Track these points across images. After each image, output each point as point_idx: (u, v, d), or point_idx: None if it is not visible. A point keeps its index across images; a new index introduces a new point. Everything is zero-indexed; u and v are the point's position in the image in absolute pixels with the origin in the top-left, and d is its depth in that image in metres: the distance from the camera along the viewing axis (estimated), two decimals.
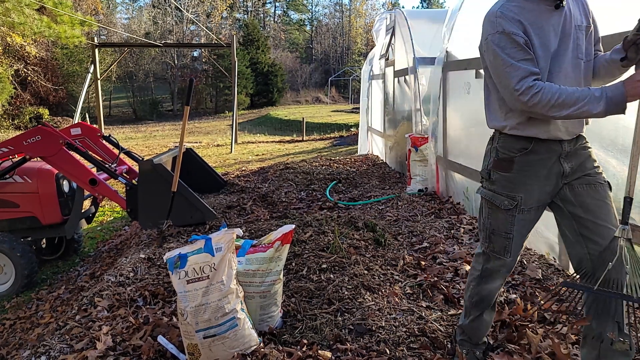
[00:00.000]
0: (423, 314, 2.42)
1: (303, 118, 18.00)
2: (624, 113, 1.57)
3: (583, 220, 1.73)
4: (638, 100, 1.59)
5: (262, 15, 53.76)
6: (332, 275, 2.83)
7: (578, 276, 1.72)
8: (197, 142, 15.78)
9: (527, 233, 1.89)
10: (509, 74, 1.67)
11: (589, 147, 1.80)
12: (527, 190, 1.79)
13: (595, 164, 1.78)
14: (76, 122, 13.31)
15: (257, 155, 11.85)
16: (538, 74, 1.65)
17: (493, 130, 1.89)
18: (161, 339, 2.25)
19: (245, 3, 51.63)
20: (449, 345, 2.17)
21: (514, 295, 2.62)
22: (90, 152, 4.34)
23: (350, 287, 2.67)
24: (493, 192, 1.85)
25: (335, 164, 7.61)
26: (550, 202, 1.82)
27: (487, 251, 1.93)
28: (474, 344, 2.07)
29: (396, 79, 7.01)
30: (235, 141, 14.17)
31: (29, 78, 24.69)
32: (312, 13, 58.04)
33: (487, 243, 1.92)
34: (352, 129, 17.30)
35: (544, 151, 1.75)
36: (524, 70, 1.64)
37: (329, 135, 17.28)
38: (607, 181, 1.76)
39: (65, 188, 4.33)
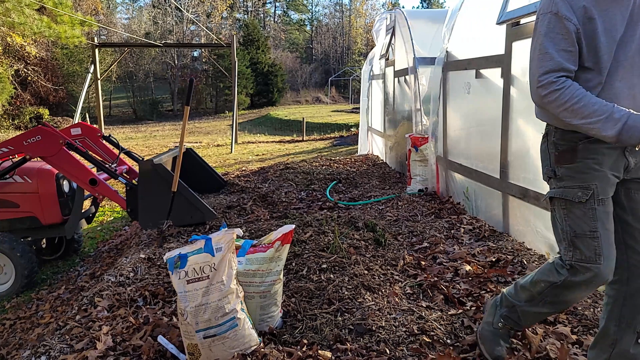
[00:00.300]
0: (423, 314, 2.42)
1: (303, 118, 18.01)
2: (637, 141, 1.47)
3: (631, 228, 1.62)
4: None
5: (262, 15, 53.77)
6: (332, 275, 2.83)
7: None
8: (197, 142, 15.78)
9: (612, 228, 1.64)
10: (540, 60, 1.58)
11: None
12: (600, 177, 1.60)
13: None
14: (76, 122, 13.31)
15: (257, 155, 11.85)
16: (570, 71, 1.56)
17: (545, 125, 1.75)
18: (161, 339, 2.25)
19: (245, 3, 51.64)
20: (448, 342, 2.17)
21: None
22: (90, 152, 4.34)
23: (350, 287, 2.67)
24: (563, 187, 1.67)
25: (336, 164, 7.61)
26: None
27: (574, 263, 1.65)
28: (518, 325, 1.91)
29: (396, 79, 7.01)
30: (236, 141, 14.17)
31: (29, 78, 24.70)
32: (312, 13, 58.08)
33: (572, 252, 1.66)
34: (352, 129, 17.30)
35: None
36: (556, 63, 1.55)
37: (329, 135, 17.29)
38: None
39: (66, 188, 4.33)
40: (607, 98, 1.56)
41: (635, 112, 1.49)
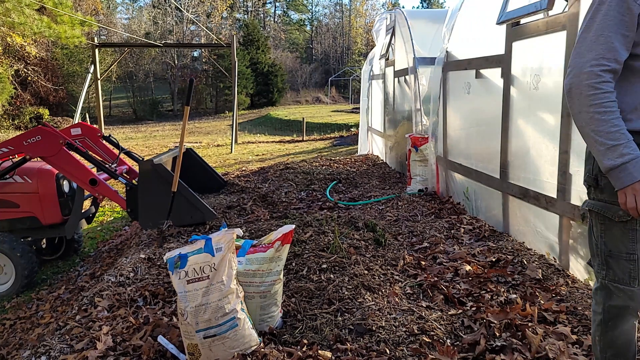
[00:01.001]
0: (423, 314, 2.42)
1: (303, 118, 18.01)
2: (620, 186, 1.41)
3: None
4: None
5: (262, 15, 53.75)
6: (332, 275, 2.83)
7: None
8: (197, 142, 15.78)
9: None
10: (593, 43, 1.41)
11: None
12: None
13: None
14: (76, 122, 13.31)
15: (257, 155, 11.85)
16: (620, 63, 1.42)
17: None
18: (161, 339, 2.25)
19: (245, 3, 51.63)
20: (448, 342, 2.17)
21: (514, 295, 2.62)
22: (90, 152, 4.34)
23: (350, 287, 2.67)
24: (604, 202, 1.50)
25: (336, 164, 7.61)
26: None
27: (606, 282, 1.55)
28: None
29: (396, 79, 7.01)
30: (236, 141, 14.17)
31: (29, 78, 24.68)
32: (312, 13, 58.06)
33: (605, 271, 1.54)
34: (352, 129, 17.30)
35: None
36: (613, 51, 1.39)
37: (329, 135, 17.28)
38: None
39: (66, 188, 4.33)
40: None
41: None
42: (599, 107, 1.40)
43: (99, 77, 15.60)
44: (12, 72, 22.28)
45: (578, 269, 2.91)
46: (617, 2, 1.40)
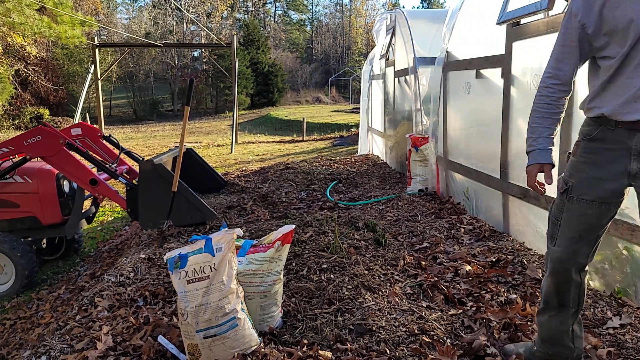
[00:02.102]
0: (423, 314, 2.42)
1: (303, 118, 18.00)
2: (526, 167, 1.80)
3: None
4: None
5: (262, 15, 53.76)
6: (332, 275, 2.83)
7: None
8: (197, 142, 15.78)
9: (579, 229, 1.70)
10: (550, 55, 1.77)
11: None
12: (580, 177, 1.67)
13: None
14: (76, 122, 13.31)
15: (257, 155, 11.85)
16: (562, 70, 1.72)
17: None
18: (161, 339, 2.25)
19: (245, 3, 51.64)
20: (448, 342, 2.17)
21: (514, 295, 2.62)
22: (90, 152, 4.33)
23: (350, 287, 2.67)
24: (563, 173, 1.79)
25: (336, 164, 7.61)
26: (615, 202, 1.68)
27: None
28: (548, 343, 1.92)
29: (396, 79, 7.01)
30: (236, 141, 14.17)
31: (30, 78, 24.68)
32: (312, 13, 58.08)
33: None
34: (352, 129, 17.30)
35: (610, 140, 1.60)
36: (558, 62, 1.74)
37: (329, 135, 17.29)
38: None
39: (66, 188, 4.33)
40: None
41: (543, 150, 1.76)
42: (535, 106, 1.81)
43: (99, 77, 15.60)
44: (13, 72, 22.29)
45: None
46: (566, 19, 1.68)
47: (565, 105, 1.79)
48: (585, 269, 1.81)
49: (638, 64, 1.53)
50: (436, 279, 2.89)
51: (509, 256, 3.20)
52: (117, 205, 4.89)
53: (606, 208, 1.67)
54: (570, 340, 1.87)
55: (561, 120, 1.80)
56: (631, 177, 1.59)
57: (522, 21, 3.44)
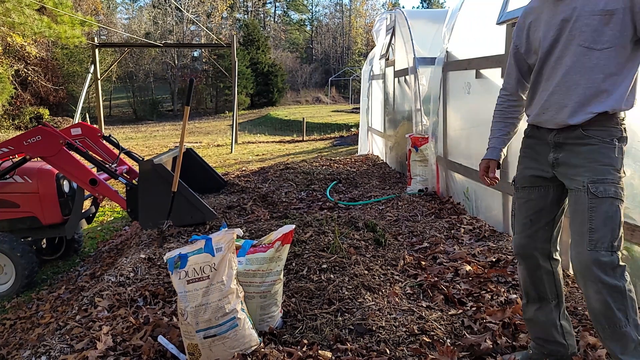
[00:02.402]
0: (423, 314, 2.42)
1: (303, 118, 18.00)
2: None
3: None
4: None
5: (262, 15, 53.74)
6: (332, 275, 2.83)
7: None
8: (197, 142, 15.77)
9: (527, 214, 1.91)
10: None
11: (588, 144, 1.71)
12: (520, 169, 1.97)
13: (586, 164, 1.70)
14: (76, 122, 13.31)
15: (257, 155, 11.86)
16: (509, 84, 2.02)
17: None
18: (161, 339, 2.25)
19: (245, 3, 51.62)
20: (448, 342, 2.17)
21: (514, 295, 2.62)
22: (90, 152, 4.33)
23: (350, 287, 2.67)
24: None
25: (336, 164, 7.61)
26: (553, 185, 1.87)
27: None
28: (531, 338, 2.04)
29: (396, 79, 7.01)
30: (236, 141, 14.17)
31: (29, 78, 24.67)
32: (312, 13, 58.04)
33: None
34: (352, 129, 17.29)
35: (537, 136, 1.89)
36: (506, 76, 2.05)
37: (329, 135, 17.28)
38: (588, 186, 1.67)
39: (66, 188, 4.33)
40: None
41: (492, 148, 2.04)
42: (493, 113, 2.09)
43: (99, 77, 15.60)
44: (12, 72, 22.27)
45: None
46: (511, 43, 2.00)
47: (518, 113, 2.03)
48: (556, 258, 1.95)
49: (547, 79, 1.80)
50: (436, 279, 2.89)
51: (509, 256, 3.20)
52: (117, 205, 4.89)
53: (545, 191, 1.88)
54: (561, 337, 1.94)
55: (515, 124, 2.05)
56: (552, 165, 1.83)
57: None
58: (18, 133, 13.02)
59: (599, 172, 1.68)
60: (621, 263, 1.67)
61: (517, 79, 2.00)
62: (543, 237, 1.90)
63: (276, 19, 56.72)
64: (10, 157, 4.09)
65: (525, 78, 1.98)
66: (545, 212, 1.89)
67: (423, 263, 3.17)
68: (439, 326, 2.32)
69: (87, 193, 4.19)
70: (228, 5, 44.56)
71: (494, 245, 3.46)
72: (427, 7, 52.81)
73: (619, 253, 1.67)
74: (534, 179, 1.90)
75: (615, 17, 1.63)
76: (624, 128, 1.73)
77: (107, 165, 4.25)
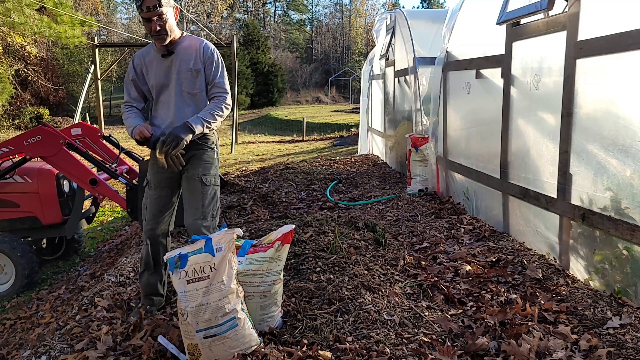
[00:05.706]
0: (423, 314, 2.42)
1: (303, 118, 18.01)
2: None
3: None
4: None
5: (262, 15, 53.74)
6: (332, 276, 2.83)
7: None
8: None
9: (158, 206, 2.62)
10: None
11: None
12: (152, 173, 2.64)
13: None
14: (76, 122, 13.30)
15: (257, 155, 11.86)
16: (131, 99, 2.69)
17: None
18: (161, 339, 2.25)
19: (245, 3, 51.62)
20: (448, 342, 2.17)
21: (514, 295, 2.62)
22: (90, 152, 4.33)
23: (350, 287, 2.67)
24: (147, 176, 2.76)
25: (336, 164, 7.61)
26: (177, 185, 2.64)
27: None
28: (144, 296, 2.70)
29: (396, 79, 7.01)
30: (236, 141, 14.17)
31: (29, 78, 24.66)
32: (312, 13, 58.05)
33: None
34: (352, 129, 17.29)
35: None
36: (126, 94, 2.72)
37: (329, 135, 17.29)
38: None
39: (66, 188, 4.33)
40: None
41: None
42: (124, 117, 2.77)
43: (99, 77, 15.59)
44: (12, 72, 22.26)
45: (578, 269, 2.91)
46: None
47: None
48: (169, 235, 2.75)
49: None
50: (436, 279, 2.89)
51: (509, 256, 3.20)
52: (117, 205, 4.89)
53: (171, 190, 2.63)
54: (162, 288, 2.72)
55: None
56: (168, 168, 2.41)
57: (522, 21, 3.45)
58: (18, 133, 13.01)
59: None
60: None
61: (139, 94, 2.75)
62: (167, 221, 2.69)
63: (276, 19, 56.72)
64: (11, 157, 4.09)
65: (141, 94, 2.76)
66: (169, 204, 2.68)
67: (423, 263, 3.17)
68: (439, 326, 2.32)
69: (87, 193, 4.19)
70: (228, 5, 44.56)
71: (494, 245, 3.46)
72: (427, 7, 52.78)
73: None
74: (162, 181, 2.63)
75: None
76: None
77: (107, 165, 4.25)
